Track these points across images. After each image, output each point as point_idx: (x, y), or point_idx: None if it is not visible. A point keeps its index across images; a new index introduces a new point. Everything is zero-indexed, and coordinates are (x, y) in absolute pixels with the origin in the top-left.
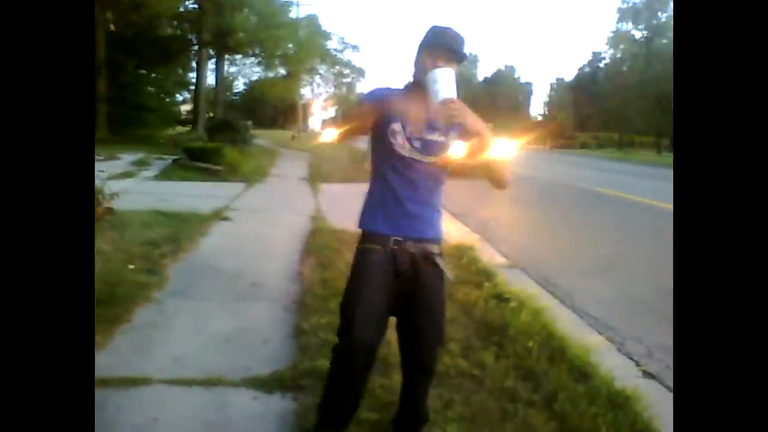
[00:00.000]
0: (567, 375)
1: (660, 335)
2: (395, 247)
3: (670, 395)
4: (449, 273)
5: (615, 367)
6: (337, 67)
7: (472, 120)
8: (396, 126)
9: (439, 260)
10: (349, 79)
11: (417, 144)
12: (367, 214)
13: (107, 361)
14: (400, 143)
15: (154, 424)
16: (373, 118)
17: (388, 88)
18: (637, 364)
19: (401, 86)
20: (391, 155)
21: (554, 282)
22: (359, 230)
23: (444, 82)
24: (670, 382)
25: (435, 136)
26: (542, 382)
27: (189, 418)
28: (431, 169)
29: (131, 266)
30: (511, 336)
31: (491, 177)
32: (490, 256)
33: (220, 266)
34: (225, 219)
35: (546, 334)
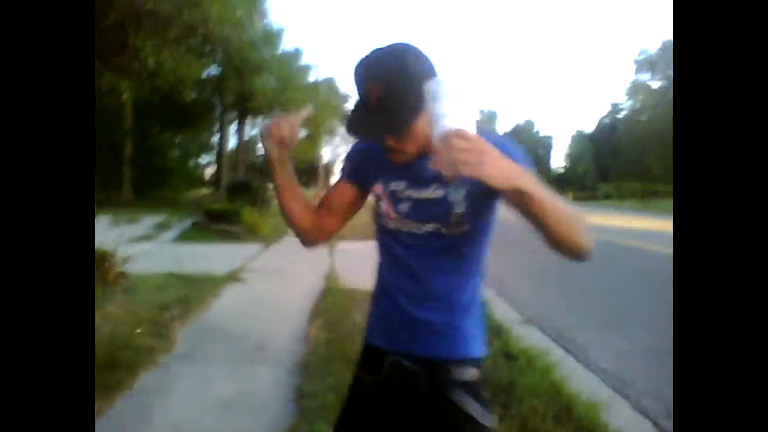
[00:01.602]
0: None
1: None
2: (388, 372)
3: None
4: (490, 417)
5: (629, 426)
6: None
7: (495, 170)
8: (378, 188)
9: (462, 397)
10: None
11: (403, 207)
12: (369, 319)
13: (106, 428)
14: (385, 210)
15: None
16: (353, 194)
17: (361, 144)
18: (654, 424)
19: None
20: (378, 229)
21: (568, 336)
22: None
23: (442, 100)
24: None
25: (429, 192)
26: None
27: None
28: (438, 242)
29: (139, 330)
30: (518, 395)
31: (553, 236)
32: (503, 312)
33: (228, 328)
34: (238, 280)
35: (553, 392)
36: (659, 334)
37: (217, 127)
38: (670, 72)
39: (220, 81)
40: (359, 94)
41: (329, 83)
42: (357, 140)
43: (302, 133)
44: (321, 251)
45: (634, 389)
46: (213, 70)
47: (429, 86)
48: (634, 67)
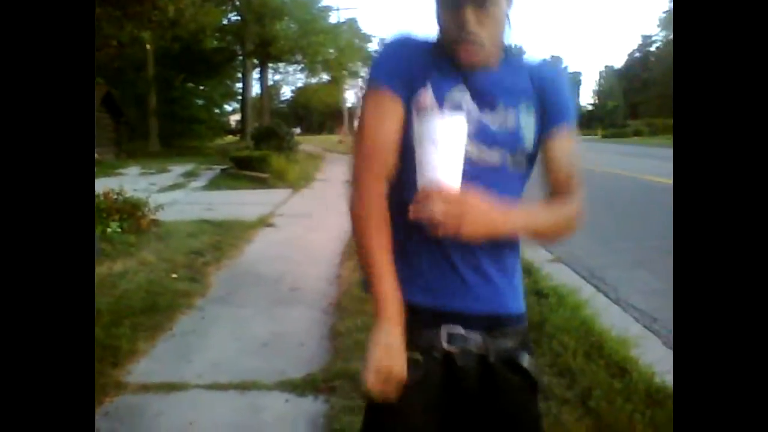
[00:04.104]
0: (604, 371)
1: None
2: (449, 348)
3: None
4: (541, 376)
5: (659, 361)
6: None
7: (480, 228)
8: (426, 96)
9: (527, 361)
10: None
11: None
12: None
13: (149, 367)
14: None
15: (190, 428)
16: (403, 111)
17: (401, 38)
18: None
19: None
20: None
21: (599, 275)
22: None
23: (440, 147)
24: None
25: (497, 115)
26: (578, 378)
27: (222, 422)
28: (499, 176)
29: (174, 275)
30: (548, 332)
31: (541, 242)
32: (532, 251)
33: (262, 272)
34: (269, 225)
35: (584, 329)
36: None
37: (239, 74)
38: None
39: (240, 28)
40: None
41: (351, 24)
42: (391, 39)
43: (325, 77)
44: (346, 194)
45: (665, 326)
46: (233, 17)
47: (426, 122)
48: None
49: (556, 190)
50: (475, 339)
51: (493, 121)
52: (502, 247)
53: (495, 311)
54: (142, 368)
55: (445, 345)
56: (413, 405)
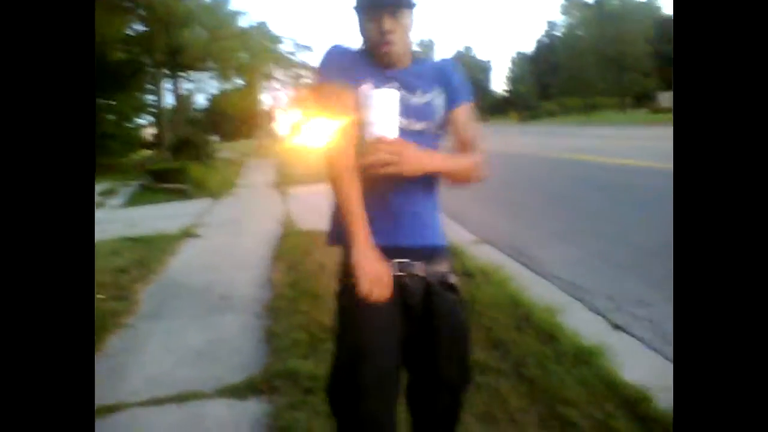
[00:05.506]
0: (535, 339)
1: (628, 289)
2: (400, 273)
3: (638, 343)
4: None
5: (585, 324)
6: (293, 69)
7: (415, 166)
8: (367, 86)
9: (454, 280)
10: (307, 80)
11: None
12: (340, 225)
13: None
14: None
15: None
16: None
17: (338, 47)
18: (607, 320)
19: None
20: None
21: (523, 251)
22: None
23: (380, 110)
24: (638, 332)
25: (417, 97)
26: (510, 349)
27: None
28: (425, 140)
29: (100, 296)
30: (478, 310)
31: (453, 183)
32: (456, 234)
33: (191, 283)
34: (193, 236)
35: (512, 302)
36: (606, 238)
37: (150, 86)
38: None
39: (147, 38)
40: None
41: (261, 27)
42: (332, 48)
43: (239, 82)
44: (273, 199)
45: (588, 291)
46: (138, 27)
47: (365, 94)
48: None
49: (461, 148)
50: (418, 266)
51: (416, 101)
52: (427, 196)
53: (429, 244)
54: None
55: (396, 272)
56: (375, 313)
